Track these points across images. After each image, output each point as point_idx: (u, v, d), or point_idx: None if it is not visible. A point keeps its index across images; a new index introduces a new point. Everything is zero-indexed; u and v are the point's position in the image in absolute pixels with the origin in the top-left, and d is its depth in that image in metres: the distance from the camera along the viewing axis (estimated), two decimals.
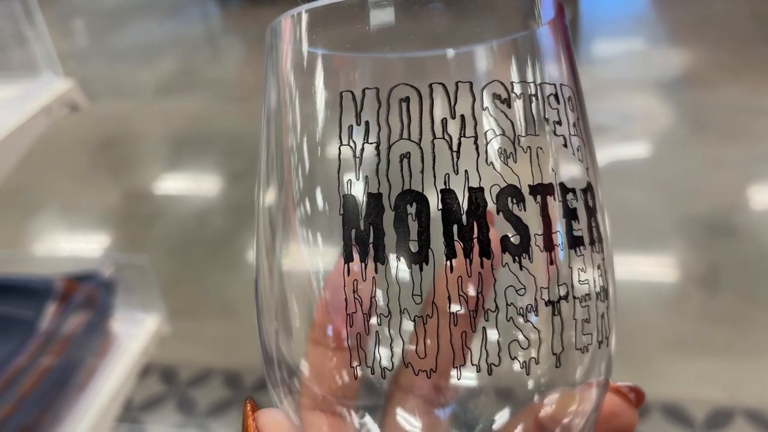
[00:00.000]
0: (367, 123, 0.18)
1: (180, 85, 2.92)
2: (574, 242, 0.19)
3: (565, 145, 0.20)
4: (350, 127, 0.19)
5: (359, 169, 0.19)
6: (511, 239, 0.18)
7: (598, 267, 0.20)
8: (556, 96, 0.19)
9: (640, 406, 0.23)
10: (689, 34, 2.95)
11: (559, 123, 0.19)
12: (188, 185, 2.29)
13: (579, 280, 0.20)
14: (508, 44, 0.19)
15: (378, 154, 0.18)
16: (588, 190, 0.20)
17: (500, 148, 0.18)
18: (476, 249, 0.18)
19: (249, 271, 1.83)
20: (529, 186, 0.19)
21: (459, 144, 0.18)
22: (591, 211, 0.20)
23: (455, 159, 0.18)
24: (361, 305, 0.19)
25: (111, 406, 0.80)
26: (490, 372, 0.19)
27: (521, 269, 0.18)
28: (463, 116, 0.18)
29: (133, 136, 2.56)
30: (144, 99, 2.84)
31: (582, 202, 0.20)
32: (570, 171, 0.20)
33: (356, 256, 0.19)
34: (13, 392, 0.70)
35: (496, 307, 0.19)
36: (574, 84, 0.21)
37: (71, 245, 2.00)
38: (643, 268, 1.73)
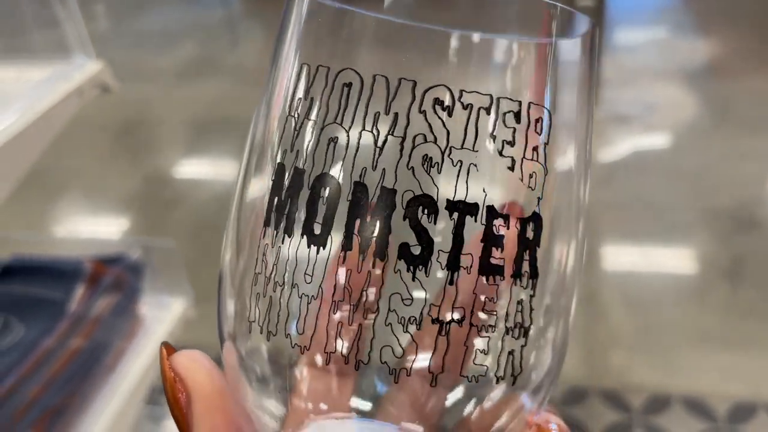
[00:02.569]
0: (311, 100, 0.19)
1: (200, 70, 2.92)
2: (489, 270, 0.19)
3: (511, 168, 0.19)
4: (299, 100, 0.19)
5: (293, 142, 0.19)
6: (411, 248, 0.18)
7: (519, 302, 0.19)
8: (516, 114, 0.18)
9: None
10: (715, 24, 2.91)
11: (511, 144, 0.18)
12: (208, 170, 2.30)
13: (484, 309, 0.19)
14: (491, 46, 0.19)
15: (312, 132, 0.19)
16: (532, 220, 0.19)
17: (426, 155, 0.18)
18: (372, 248, 0.18)
19: None
20: (448, 200, 0.18)
21: (385, 141, 0.18)
22: (528, 243, 0.19)
23: (377, 155, 0.18)
24: (265, 268, 0.19)
25: (138, 388, 0.81)
26: (357, 367, 0.19)
27: (413, 280, 0.18)
28: (396, 114, 0.18)
29: (154, 121, 2.57)
30: (165, 84, 2.85)
31: (515, 231, 0.19)
32: (512, 195, 0.19)
33: (272, 223, 0.19)
34: (42, 373, 0.71)
35: (378, 308, 0.18)
36: (576, 108, 0.20)
37: (93, 228, 2.02)
38: (665, 260, 1.72)
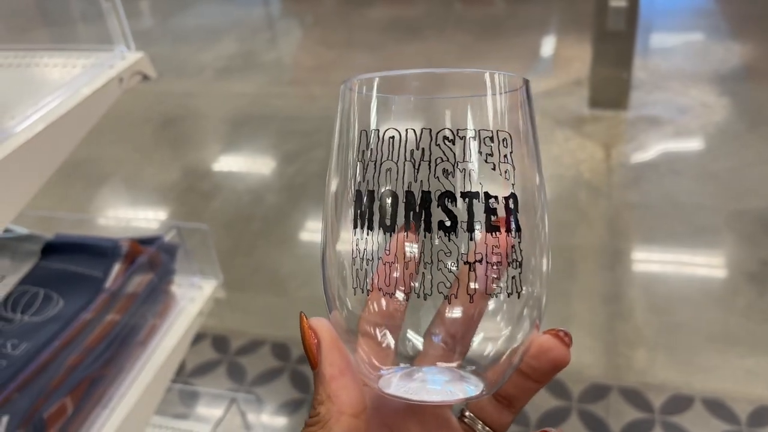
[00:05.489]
0: (371, 150, 0.30)
1: (239, 67, 2.98)
2: (491, 228, 0.30)
3: (494, 169, 0.30)
4: (362, 151, 0.30)
5: (364, 175, 0.30)
6: (445, 223, 0.29)
7: (513, 247, 0.30)
8: (491, 137, 0.30)
9: (570, 346, 0.32)
10: (751, 28, 2.88)
11: (491, 155, 0.30)
12: (244, 163, 2.35)
13: (492, 252, 0.29)
14: (473, 102, 0.30)
15: (375, 167, 0.30)
16: (511, 197, 0.30)
17: (443, 168, 0.29)
18: (422, 226, 0.29)
19: (300, 248, 1.87)
20: (461, 192, 0.29)
21: (419, 163, 0.29)
22: (510, 211, 0.30)
23: (416, 173, 0.29)
24: (359, 252, 0.31)
25: (168, 364, 0.84)
26: (424, 298, 0.30)
27: (449, 240, 0.29)
28: (423, 148, 0.29)
29: (193, 115, 2.63)
30: (204, 79, 2.91)
31: (503, 204, 0.30)
32: (497, 184, 0.30)
33: (359, 225, 0.31)
34: (80, 344, 0.75)
35: (431, 259, 0.30)
36: (524, 131, 0.31)
37: (131, 217, 2.08)
38: (693, 262, 1.71)
